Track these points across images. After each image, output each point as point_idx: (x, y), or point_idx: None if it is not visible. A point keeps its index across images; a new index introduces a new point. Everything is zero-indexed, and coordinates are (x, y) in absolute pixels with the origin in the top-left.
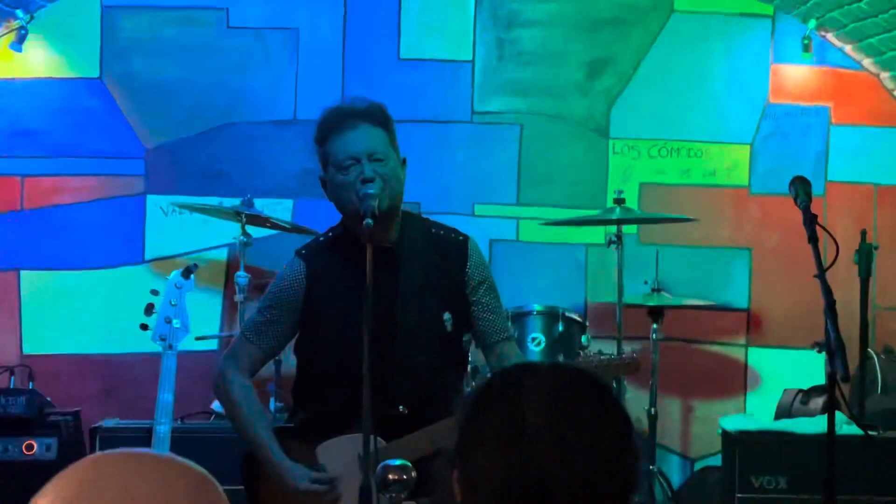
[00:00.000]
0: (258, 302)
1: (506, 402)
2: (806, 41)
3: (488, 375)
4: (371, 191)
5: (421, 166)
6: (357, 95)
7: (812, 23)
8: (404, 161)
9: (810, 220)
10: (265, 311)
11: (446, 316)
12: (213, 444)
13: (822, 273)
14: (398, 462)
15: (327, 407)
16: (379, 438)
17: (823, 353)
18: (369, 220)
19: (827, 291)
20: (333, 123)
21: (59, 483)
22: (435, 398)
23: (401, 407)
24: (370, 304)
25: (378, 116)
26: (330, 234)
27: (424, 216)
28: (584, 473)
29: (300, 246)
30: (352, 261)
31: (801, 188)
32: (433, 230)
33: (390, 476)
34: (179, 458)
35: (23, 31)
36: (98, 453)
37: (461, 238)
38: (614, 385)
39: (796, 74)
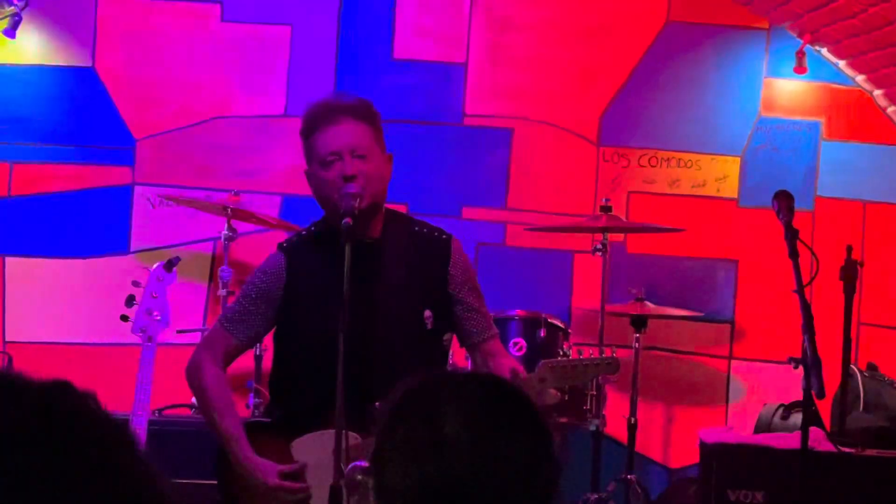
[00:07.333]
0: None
1: (422, 414)
2: (800, 55)
3: (403, 386)
4: (352, 190)
5: (410, 167)
6: (344, 91)
7: (806, 37)
8: (390, 158)
9: (791, 236)
10: (244, 300)
11: (426, 313)
12: (190, 437)
13: (800, 289)
14: (368, 465)
15: (303, 402)
16: (353, 433)
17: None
18: (348, 220)
19: (805, 307)
20: (318, 117)
21: None
22: None
23: (377, 402)
24: (346, 306)
25: (363, 111)
26: (313, 228)
27: (408, 215)
28: (499, 485)
29: (283, 240)
30: (333, 257)
31: (783, 202)
32: (416, 228)
33: (359, 478)
34: None
35: (17, 18)
36: None
37: (444, 237)
38: (596, 392)
39: (789, 88)
